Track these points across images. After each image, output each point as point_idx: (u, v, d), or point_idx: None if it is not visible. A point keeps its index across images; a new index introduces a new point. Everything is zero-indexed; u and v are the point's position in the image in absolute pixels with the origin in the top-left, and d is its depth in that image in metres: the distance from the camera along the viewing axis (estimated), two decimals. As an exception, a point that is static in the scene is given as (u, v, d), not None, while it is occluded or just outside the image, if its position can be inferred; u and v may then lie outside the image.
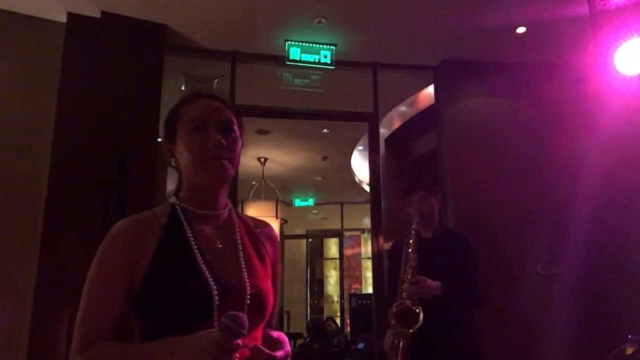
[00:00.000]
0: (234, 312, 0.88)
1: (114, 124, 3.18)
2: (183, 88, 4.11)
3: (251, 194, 6.83)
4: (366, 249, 9.78)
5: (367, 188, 4.91)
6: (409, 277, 2.25)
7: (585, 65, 3.00)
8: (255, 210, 6.16)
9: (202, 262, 1.03)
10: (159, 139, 3.65)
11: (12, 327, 2.85)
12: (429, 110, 4.40)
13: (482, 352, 2.46)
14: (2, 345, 2.84)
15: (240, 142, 1.14)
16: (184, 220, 1.08)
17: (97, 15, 3.29)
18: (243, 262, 1.07)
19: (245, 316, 0.89)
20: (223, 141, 1.07)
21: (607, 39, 2.54)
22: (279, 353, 0.96)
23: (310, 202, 8.71)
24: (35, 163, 3.08)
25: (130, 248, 1.03)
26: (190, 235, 1.06)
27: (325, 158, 6.70)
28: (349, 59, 3.98)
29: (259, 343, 1.01)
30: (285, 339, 1.06)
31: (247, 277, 1.05)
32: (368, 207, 4.19)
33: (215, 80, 4.10)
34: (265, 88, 4.11)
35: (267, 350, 0.95)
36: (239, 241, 1.11)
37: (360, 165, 6.77)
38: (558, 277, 3.63)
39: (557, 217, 3.65)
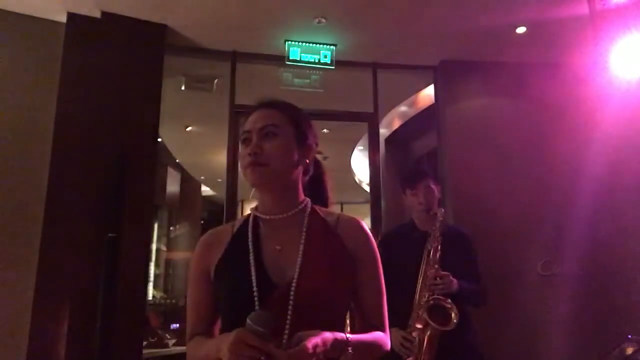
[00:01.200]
0: (258, 312, 0.98)
1: (114, 124, 3.18)
2: (183, 88, 4.11)
3: (251, 194, 6.79)
4: (366, 249, 9.75)
5: (367, 188, 4.90)
6: (432, 271, 2.20)
7: (585, 65, 3.01)
8: (255, 210, 6.14)
9: (252, 263, 1.11)
10: (159, 139, 3.65)
11: (12, 327, 2.85)
12: (429, 110, 4.40)
13: (483, 352, 2.46)
14: (1, 345, 2.84)
15: (280, 141, 1.16)
16: (250, 226, 1.20)
17: (97, 15, 3.29)
18: (299, 263, 1.10)
19: (269, 314, 0.96)
20: (252, 150, 1.14)
21: (607, 38, 2.54)
22: (290, 350, 0.96)
23: (310, 202, 8.69)
24: (35, 163, 3.08)
25: (205, 256, 1.20)
26: (251, 238, 1.16)
27: (325, 158, 6.70)
28: (349, 59, 3.98)
29: None
30: (312, 337, 0.97)
31: (298, 276, 1.08)
32: (368, 207, 4.19)
33: (215, 80, 4.10)
34: (265, 88, 4.10)
35: (275, 349, 0.95)
36: (302, 241, 1.14)
37: (360, 165, 6.76)
38: (558, 277, 3.63)
39: (557, 217, 3.65)
